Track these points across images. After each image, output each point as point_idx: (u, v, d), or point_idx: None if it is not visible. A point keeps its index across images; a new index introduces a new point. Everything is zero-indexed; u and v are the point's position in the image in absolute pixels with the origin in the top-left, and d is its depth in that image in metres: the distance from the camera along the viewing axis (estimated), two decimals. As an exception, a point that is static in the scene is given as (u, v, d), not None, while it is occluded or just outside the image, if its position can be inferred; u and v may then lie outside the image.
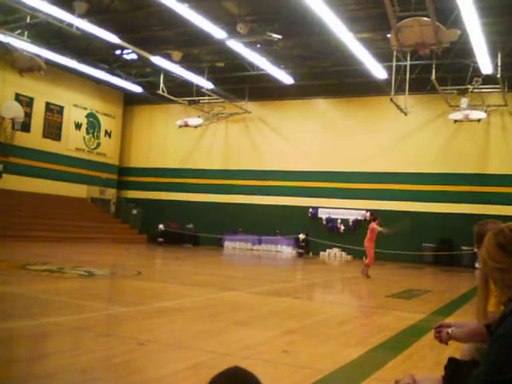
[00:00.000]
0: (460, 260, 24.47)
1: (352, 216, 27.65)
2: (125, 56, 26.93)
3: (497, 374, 1.77)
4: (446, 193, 25.77)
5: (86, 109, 31.41)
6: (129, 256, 20.91)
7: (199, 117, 30.27)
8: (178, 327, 6.80)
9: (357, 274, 16.51)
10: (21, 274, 11.22)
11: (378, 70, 23.13)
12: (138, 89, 29.82)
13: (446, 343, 3.00)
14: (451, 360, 2.77)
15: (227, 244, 29.78)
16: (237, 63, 25.20)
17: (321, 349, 6.04)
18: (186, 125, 30.03)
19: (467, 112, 23.63)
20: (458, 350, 3.18)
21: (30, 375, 4.20)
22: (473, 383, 1.85)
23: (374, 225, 16.09)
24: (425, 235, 25.32)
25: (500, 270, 2.02)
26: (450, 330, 2.95)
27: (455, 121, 24.37)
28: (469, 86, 23.79)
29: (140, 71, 28.58)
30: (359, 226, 27.20)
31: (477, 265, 23.28)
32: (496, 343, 1.85)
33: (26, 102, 27.44)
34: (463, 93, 24.25)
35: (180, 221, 30.55)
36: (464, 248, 23.88)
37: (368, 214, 15.95)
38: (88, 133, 31.67)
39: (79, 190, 30.65)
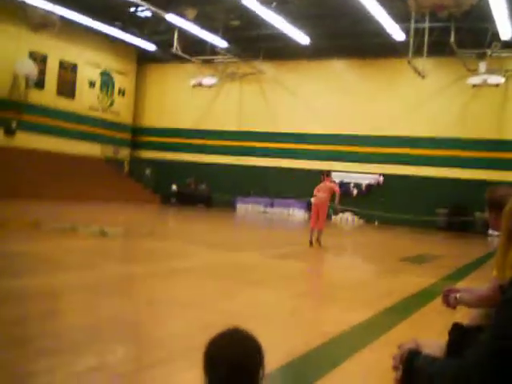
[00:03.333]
0: (474, 226, 24.33)
1: (365, 180, 27.53)
2: (139, 13, 26.58)
3: (503, 340, 1.72)
4: (462, 158, 25.49)
5: (99, 67, 31.22)
6: (142, 215, 21.02)
7: (213, 76, 29.94)
8: (189, 287, 6.83)
9: (368, 238, 16.47)
10: (33, 232, 11.31)
11: (395, 31, 22.64)
12: (151, 47, 29.50)
13: (454, 308, 2.97)
14: (455, 325, 2.74)
15: (240, 206, 29.83)
16: (252, 22, 24.77)
17: (328, 311, 6.06)
18: (200, 84, 29.71)
19: (485, 77, 23.21)
20: (467, 316, 3.14)
21: (38, 334, 4.22)
22: (478, 349, 1.80)
23: (334, 185, 13.96)
24: (438, 200, 25.12)
25: None
26: (457, 295, 2.92)
27: (473, 85, 23.92)
28: (487, 51, 23.28)
29: (154, 29, 28.20)
30: (372, 191, 27.12)
31: (490, 231, 23.20)
32: (506, 305, 1.80)
33: (40, 60, 27.28)
34: (481, 57, 23.75)
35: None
36: (478, 214, 23.70)
37: (328, 174, 14.00)
38: (102, 91, 31.55)
39: (93, 149, 30.68)
